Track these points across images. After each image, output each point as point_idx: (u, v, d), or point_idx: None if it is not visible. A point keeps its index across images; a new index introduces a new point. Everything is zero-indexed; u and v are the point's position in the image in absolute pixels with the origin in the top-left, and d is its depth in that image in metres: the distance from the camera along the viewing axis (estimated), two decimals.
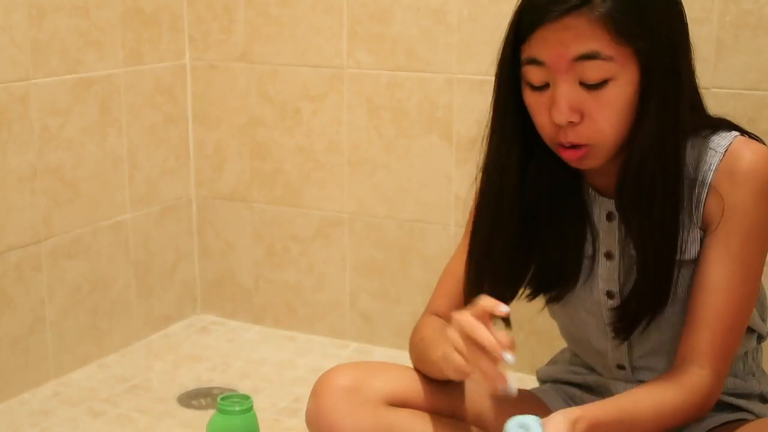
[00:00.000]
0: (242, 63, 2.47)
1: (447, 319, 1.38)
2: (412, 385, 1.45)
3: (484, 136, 1.40)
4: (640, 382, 1.43)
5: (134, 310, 2.46)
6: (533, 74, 1.28)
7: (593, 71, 1.23)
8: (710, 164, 1.31)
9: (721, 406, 1.41)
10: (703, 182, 1.31)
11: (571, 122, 1.26)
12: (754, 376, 1.46)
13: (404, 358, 2.37)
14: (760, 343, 1.47)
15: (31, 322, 2.18)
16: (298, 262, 2.51)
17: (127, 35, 2.35)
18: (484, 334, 1.22)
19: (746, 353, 1.45)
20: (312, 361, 2.37)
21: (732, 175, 1.29)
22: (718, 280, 1.30)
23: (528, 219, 1.38)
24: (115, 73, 2.33)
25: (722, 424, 1.39)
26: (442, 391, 1.46)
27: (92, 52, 2.26)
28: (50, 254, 2.21)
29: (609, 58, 1.23)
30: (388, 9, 2.27)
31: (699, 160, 1.32)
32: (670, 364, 1.39)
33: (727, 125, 1.36)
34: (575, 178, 1.40)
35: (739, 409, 1.42)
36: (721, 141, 1.32)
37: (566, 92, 1.25)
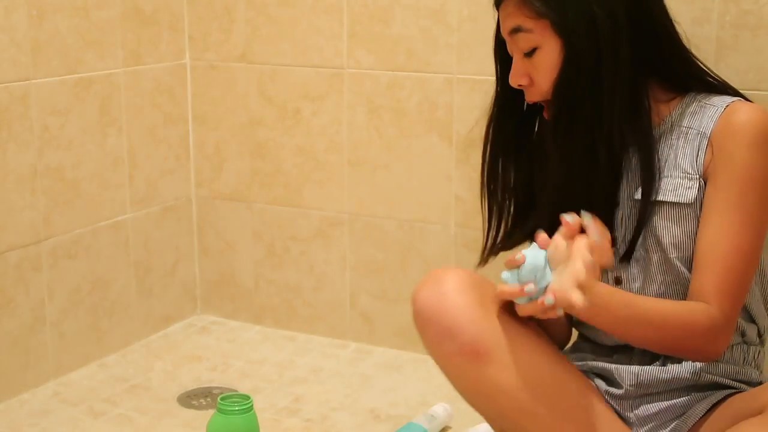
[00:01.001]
0: (242, 63, 2.47)
1: None
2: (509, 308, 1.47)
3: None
4: (641, 352, 1.50)
5: (134, 310, 2.46)
6: (508, 47, 1.53)
7: (522, 42, 1.48)
8: (711, 117, 1.45)
9: (722, 386, 1.47)
10: (703, 134, 1.45)
11: (521, 85, 1.51)
12: (753, 366, 1.52)
13: (404, 358, 2.38)
14: (762, 340, 1.50)
15: (31, 322, 2.18)
16: (298, 262, 2.51)
17: (127, 35, 2.35)
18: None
19: (747, 345, 1.50)
20: (312, 361, 2.37)
21: (727, 127, 1.43)
22: (718, 225, 1.41)
23: (533, 168, 1.57)
24: (115, 73, 2.33)
25: (724, 398, 1.44)
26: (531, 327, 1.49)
27: (92, 52, 2.26)
28: (50, 254, 2.21)
29: (529, 30, 1.46)
30: (388, 9, 2.27)
31: (702, 115, 1.46)
32: None
33: (733, 92, 1.51)
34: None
35: (740, 382, 1.48)
36: (724, 100, 1.46)
37: (515, 61, 1.51)
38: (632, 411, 1.49)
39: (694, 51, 1.56)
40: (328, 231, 2.46)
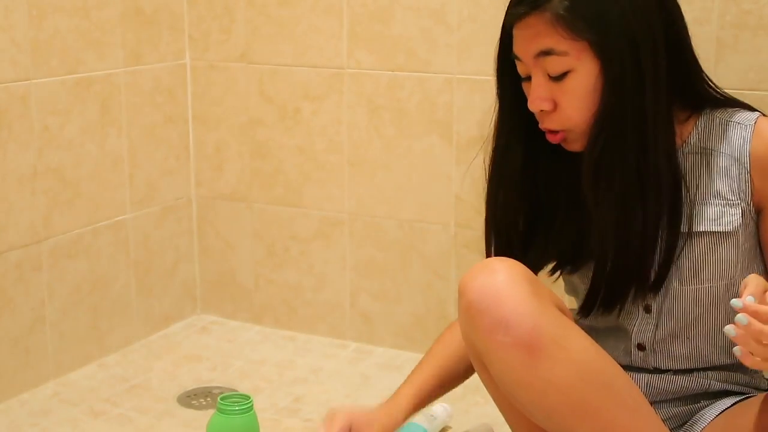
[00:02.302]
0: (242, 63, 2.47)
1: None
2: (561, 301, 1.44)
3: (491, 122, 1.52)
4: (656, 369, 1.47)
5: (134, 310, 2.46)
6: (519, 67, 1.43)
7: (553, 65, 1.36)
8: (743, 138, 1.39)
9: (732, 392, 1.45)
10: (741, 157, 1.38)
11: (543, 111, 1.39)
12: (761, 375, 1.50)
13: (404, 358, 2.38)
14: None
15: (31, 322, 2.18)
16: (298, 262, 2.51)
17: (127, 35, 2.35)
18: None
19: None
20: (312, 361, 2.37)
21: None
22: None
23: (541, 201, 1.48)
24: (115, 73, 2.33)
25: (733, 404, 1.43)
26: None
27: (92, 52, 2.26)
28: (50, 254, 2.21)
29: (564, 53, 1.35)
30: (388, 9, 2.27)
31: (731, 135, 1.39)
32: (688, 351, 1.44)
33: (744, 106, 1.45)
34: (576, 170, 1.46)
35: (751, 387, 1.47)
36: (746, 117, 1.40)
37: (536, 84, 1.39)
38: None
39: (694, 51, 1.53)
40: (328, 231, 2.46)
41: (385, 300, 2.42)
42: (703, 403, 1.45)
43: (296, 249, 2.51)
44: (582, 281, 1.50)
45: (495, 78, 1.50)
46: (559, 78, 1.37)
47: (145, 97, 2.42)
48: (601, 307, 1.43)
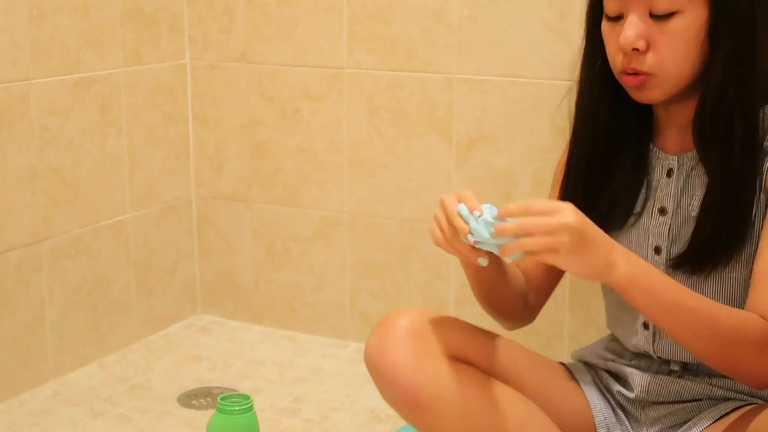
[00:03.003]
0: (242, 63, 2.47)
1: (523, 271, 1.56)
2: (473, 344, 1.45)
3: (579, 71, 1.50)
4: (661, 361, 1.48)
5: (134, 310, 2.46)
6: (610, 5, 1.37)
7: (662, 2, 1.31)
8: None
9: (734, 398, 1.44)
10: (766, 149, 1.35)
11: (635, 50, 1.34)
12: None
13: None
14: None
15: (31, 322, 2.18)
16: (298, 262, 2.51)
17: (127, 35, 2.35)
18: (459, 224, 1.30)
19: None
20: (312, 361, 2.37)
21: None
22: None
23: (600, 154, 1.47)
24: (115, 73, 2.33)
25: (733, 410, 1.42)
26: (498, 356, 1.46)
27: (92, 52, 2.26)
28: (50, 254, 2.21)
29: None
30: (388, 9, 2.27)
31: (766, 128, 1.36)
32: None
33: None
34: (641, 134, 1.46)
35: (751, 396, 1.45)
36: None
37: (635, 21, 1.33)
38: (643, 410, 1.49)
39: None
40: (328, 231, 2.46)
41: (385, 300, 2.42)
42: (705, 403, 1.45)
43: (296, 249, 2.51)
44: None
45: (585, 23, 1.46)
46: (663, 17, 1.32)
47: (145, 97, 2.42)
48: (692, 263, 1.39)
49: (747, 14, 1.33)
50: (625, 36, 1.33)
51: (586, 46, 1.47)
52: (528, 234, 1.22)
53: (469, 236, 1.28)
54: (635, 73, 1.36)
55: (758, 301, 1.33)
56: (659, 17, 1.32)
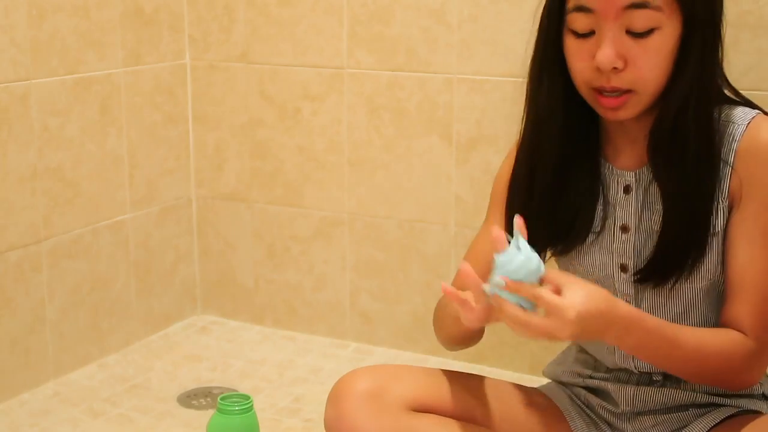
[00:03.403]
0: (242, 63, 2.47)
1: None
2: (432, 390, 1.44)
3: (526, 85, 1.44)
4: (641, 373, 1.46)
5: (134, 310, 2.46)
6: (579, 22, 1.33)
7: (641, 20, 1.28)
8: (733, 136, 1.35)
9: (722, 405, 1.43)
10: (726, 156, 1.35)
11: (614, 68, 1.30)
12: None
13: (404, 358, 2.38)
14: None
15: (31, 322, 2.18)
16: (298, 262, 2.51)
17: (127, 35, 2.35)
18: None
19: None
20: (312, 361, 2.37)
21: (752, 147, 1.33)
22: (749, 254, 1.34)
23: (557, 172, 1.42)
24: (115, 73, 2.33)
25: (722, 420, 1.40)
26: (462, 396, 1.46)
27: (92, 52, 2.26)
28: (50, 254, 2.21)
29: (657, 8, 1.28)
30: (388, 9, 2.27)
31: (722, 132, 1.35)
32: None
33: (751, 104, 1.40)
34: (590, 149, 1.43)
35: (739, 407, 1.43)
36: (744, 115, 1.36)
37: (613, 38, 1.29)
38: (629, 423, 1.48)
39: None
40: (328, 231, 2.46)
41: (385, 300, 2.42)
42: (692, 411, 1.44)
43: (296, 249, 2.51)
44: (569, 266, 1.49)
45: (539, 34, 1.41)
46: (642, 35, 1.29)
47: (145, 97, 2.42)
48: (657, 276, 1.39)
49: (714, 26, 1.33)
50: (605, 55, 1.29)
51: (538, 60, 1.42)
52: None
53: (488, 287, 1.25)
54: (614, 92, 1.32)
55: (736, 313, 1.34)
56: (639, 35, 1.30)
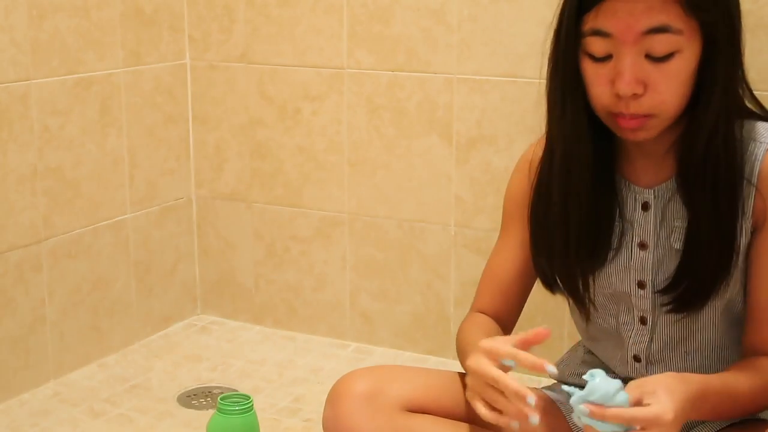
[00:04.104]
0: (242, 63, 2.47)
1: (491, 315, 1.52)
2: (429, 391, 1.45)
3: (546, 110, 1.40)
4: None
5: (134, 310, 2.46)
6: (596, 45, 1.28)
7: (661, 44, 1.25)
8: (756, 155, 1.33)
9: None
10: (750, 176, 1.32)
11: (634, 94, 1.27)
12: None
13: (404, 358, 2.38)
14: None
15: (31, 322, 2.18)
16: (298, 262, 2.51)
17: (127, 35, 2.35)
18: (506, 383, 1.24)
19: None
20: (312, 361, 2.37)
21: None
22: None
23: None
24: (115, 73, 2.33)
25: (729, 426, 1.40)
26: (458, 396, 1.45)
27: (92, 52, 2.26)
28: (50, 254, 2.21)
29: (678, 32, 1.24)
30: (388, 9, 2.27)
31: (744, 150, 1.32)
32: (687, 366, 1.41)
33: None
34: (608, 170, 1.41)
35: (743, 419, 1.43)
36: (765, 132, 1.34)
37: (632, 64, 1.25)
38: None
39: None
40: (328, 231, 2.46)
41: (385, 300, 2.42)
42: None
43: (296, 249, 2.51)
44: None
45: (555, 57, 1.34)
46: (663, 59, 1.25)
47: (145, 97, 2.42)
48: (684, 303, 1.37)
49: (735, 44, 1.31)
50: (625, 82, 1.26)
51: (559, 85, 1.36)
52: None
53: (533, 418, 1.23)
54: (637, 116, 1.29)
55: (760, 341, 1.34)
56: (659, 59, 1.25)
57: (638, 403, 1.20)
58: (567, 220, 1.39)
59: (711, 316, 1.39)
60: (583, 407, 1.19)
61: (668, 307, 1.38)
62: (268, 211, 2.52)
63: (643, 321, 1.43)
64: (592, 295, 1.44)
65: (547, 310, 2.20)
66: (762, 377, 1.32)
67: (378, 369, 1.50)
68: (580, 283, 1.43)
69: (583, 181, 1.37)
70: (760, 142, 1.33)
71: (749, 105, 1.38)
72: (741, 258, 1.35)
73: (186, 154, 2.57)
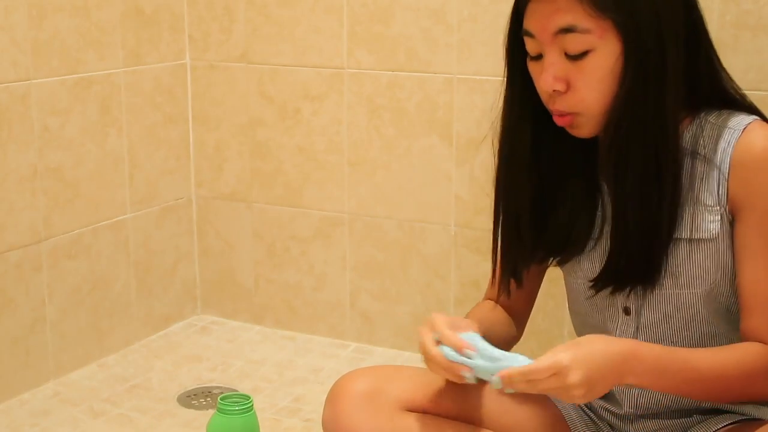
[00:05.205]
0: (242, 63, 2.47)
1: (500, 304, 1.55)
2: (428, 390, 1.45)
3: (500, 106, 1.48)
4: None
5: (134, 310, 2.46)
6: (529, 45, 1.35)
7: (573, 43, 1.30)
8: (728, 142, 1.34)
9: (727, 411, 1.42)
10: (722, 162, 1.34)
11: (557, 91, 1.32)
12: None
13: (404, 358, 2.38)
14: None
15: (31, 322, 2.18)
16: (298, 262, 2.51)
17: (127, 35, 2.35)
18: (435, 359, 1.31)
19: None
20: (312, 361, 2.37)
21: (748, 155, 1.32)
22: (760, 265, 1.33)
23: (544, 185, 1.43)
24: (115, 73, 2.33)
25: (726, 425, 1.40)
26: (458, 396, 1.46)
27: (92, 52, 2.26)
28: (50, 254, 2.21)
29: (586, 31, 1.29)
30: (388, 9, 2.27)
31: (717, 138, 1.34)
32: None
33: (754, 110, 1.39)
34: (585, 169, 1.43)
35: (744, 414, 1.42)
36: (741, 121, 1.35)
37: (551, 63, 1.32)
38: (632, 425, 1.48)
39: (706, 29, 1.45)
40: (328, 231, 2.46)
41: (385, 300, 2.42)
42: (695, 418, 1.44)
43: (296, 249, 2.51)
44: (569, 274, 1.49)
45: (505, 56, 1.43)
46: (578, 57, 1.30)
47: (145, 97, 2.42)
48: (612, 283, 1.40)
49: (655, 42, 1.31)
50: (543, 80, 1.33)
51: (508, 80, 1.45)
52: (539, 391, 1.25)
53: (467, 374, 1.29)
54: (563, 114, 1.35)
55: (754, 327, 1.34)
56: (574, 57, 1.30)
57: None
58: (520, 211, 1.45)
59: (695, 307, 1.39)
60: (497, 378, 1.25)
61: (597, 290, 1.41)
62: (268, 211, 2.52)
63: (626, 311, 1.44)
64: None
65: (547, 309, 2.20)
66: (735, 357, 1.32)
67: (378, 369, 1.50)
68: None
69: (529, 178, 1.43)
70: (733, 130, 1.34)
71: (732, 94, 1.40)
72: (723, 246, 1.35)
73: (186, 154, 2.57)
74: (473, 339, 1.30)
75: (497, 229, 1.50)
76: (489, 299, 1.58)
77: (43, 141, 2.17)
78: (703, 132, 1.36)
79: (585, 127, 1.36)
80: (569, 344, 1.27)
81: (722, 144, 1.34)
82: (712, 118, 1.37)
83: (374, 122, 2.35)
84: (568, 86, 1.32)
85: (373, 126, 2.35)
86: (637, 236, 1.35)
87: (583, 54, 1.30)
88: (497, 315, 1.55)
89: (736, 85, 1.41)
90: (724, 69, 1.40)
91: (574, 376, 1.22)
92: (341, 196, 2.42)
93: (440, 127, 2.28)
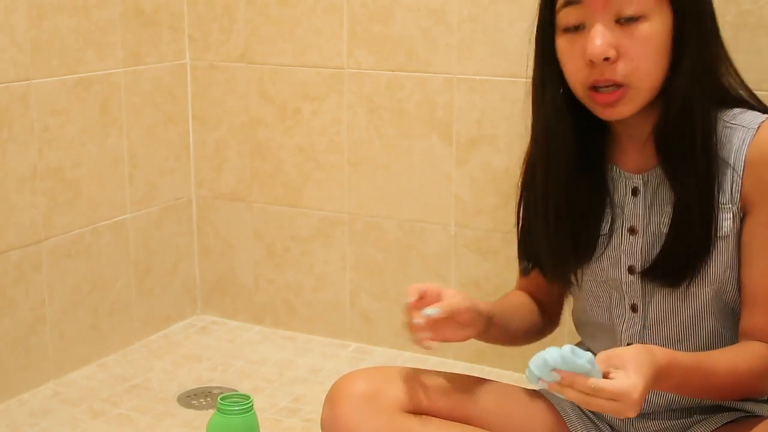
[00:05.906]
0: (242, 63, 2.47)
1: (529, 293, 1.57)
2: (429, 392, 1.45)
3: (531, 100, 1.45)
4: None
5: (134, 310, 2.46)
6: (569, 15, 1.32)
7: (629, 6, 1.28)
8: (742, 140, 1.34)
9: (726, 409, 1.42)
10: (736, 161, 1.34)
11: (606, 59, 1.29)
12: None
13: (404, 358, 2.38)
14: None
15: (31, 322, 2.18)
16: (298, 262, 2.51)
17: (127, 35, 2.35)
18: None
19: None
20: (312, 361, 2.37)
21: (763, 157, 1.32)
22: (766, 264, 1.33)
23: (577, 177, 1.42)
24: (115, 73, 2.33)
25: (726, 423, 1.40)
26: (457, 397, 1.46)
27: (92, 52, 2.26)
28: (50, 254, 2.21)
29: None
30: (388, 9, 2.27)
31: (731, 137, 1.34)
32: (676, 346, 1.41)
33: (761, 108, 1.39)
34: (597, 155, 1.42)
35: (744, 411, 1.42)
36: (754, 119, 1.35)
37: (602, 29, 1.29)
38: (632, 425, 1.48)
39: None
40: (328, 231, 2.46)
41: (385, 300, 2.42)
42: (695, 417, 1.44)
43: (296, 249, 2.51)
44: (582, 290, 1.49)
45: (536, 47, 1.41)
46: (631, 21, 1.28)
47: (145, 97, 2.42)
48: (668, 277, 1.38)
49: (708, 19, 1.32)
50: (594, 45, 1.29)
51: (539, 72, 1.42)
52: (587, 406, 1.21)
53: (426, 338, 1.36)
54: (609, 87, 1.31)
55: (758, 322, 1.34)
56: (628, 20, 1.29)
57: (605, 376, 1.20)
58: (554, 207, 1.42)
59: (704, 304, 1.39)
60: (555, 374, 1.19)
61: (652, 284, 1.40)
62: (268, 211, 2.52)
63: (634, 308, 1.44)
64: (580, 282, 1.47)
65: None
66: (745, 359, 1.32)
67: (377, 370, 1.50)
68: (573, 275, 1.46)
69: (567, 164, 1.40)
70: (747, 128, 1.34)
71: (743, 94, 1.39)
72: (732, 244, 1.35)
73: (186, 154, 2.57)
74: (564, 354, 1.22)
75: (529, 218, 1.49)
76: (518, 289, 1.61)
77: (43, 141, 2.17)
78: (716, 130, 1.35)
79: (631, 104, 1.33)
80: (637, 367, 1.20)
81: (736, 142, 1.34)
82: (726, 116, 1.36)
83: (374, 122, 2.35)
84: (618, 54, 1.29)
85: (373, 126, 2.35)
86: (694, 228, 1.34)
87: (637, 19, 1.28)
88: (521, 300, 1.57)
89: (746, 84, 1.41)
90: (734, 67, 1.40)
91: (635, 410, 1.18)
92: (341, 196, 2.42)
93: (440, 127, 2.27)
